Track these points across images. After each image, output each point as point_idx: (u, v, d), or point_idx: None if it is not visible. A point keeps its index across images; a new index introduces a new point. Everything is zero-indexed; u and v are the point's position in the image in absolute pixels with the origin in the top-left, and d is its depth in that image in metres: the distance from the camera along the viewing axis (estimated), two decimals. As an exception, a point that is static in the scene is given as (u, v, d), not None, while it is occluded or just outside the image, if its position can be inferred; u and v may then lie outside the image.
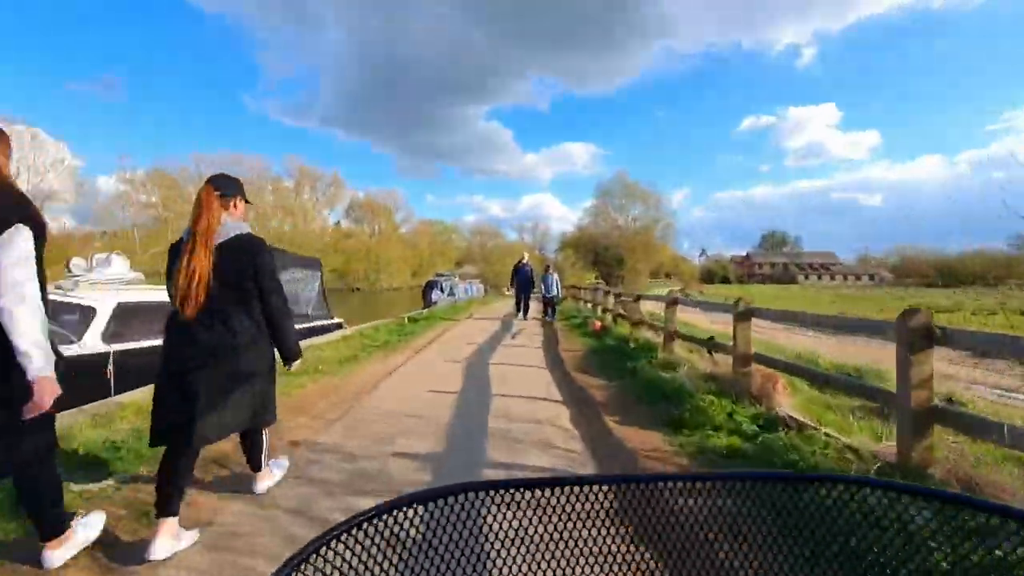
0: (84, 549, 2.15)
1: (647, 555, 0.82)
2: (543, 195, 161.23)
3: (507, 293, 37.60)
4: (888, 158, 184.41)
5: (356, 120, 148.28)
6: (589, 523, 0.80)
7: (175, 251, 2.44)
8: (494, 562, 0.80)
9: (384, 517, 0.72)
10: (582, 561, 0.81)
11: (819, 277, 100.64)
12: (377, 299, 52.00)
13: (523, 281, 15.56)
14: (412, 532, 0.72)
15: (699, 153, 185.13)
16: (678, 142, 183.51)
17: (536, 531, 0.80)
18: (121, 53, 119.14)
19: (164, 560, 2.13)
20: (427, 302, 26.31)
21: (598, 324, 11.74)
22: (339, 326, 12.18)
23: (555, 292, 15.24)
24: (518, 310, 15.77)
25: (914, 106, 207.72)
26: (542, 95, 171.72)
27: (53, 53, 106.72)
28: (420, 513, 0.74)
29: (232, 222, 2.50)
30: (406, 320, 13.99)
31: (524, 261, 16.00)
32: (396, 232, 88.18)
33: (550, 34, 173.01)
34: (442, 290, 27.39)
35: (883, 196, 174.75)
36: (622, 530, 0.83)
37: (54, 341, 1.94)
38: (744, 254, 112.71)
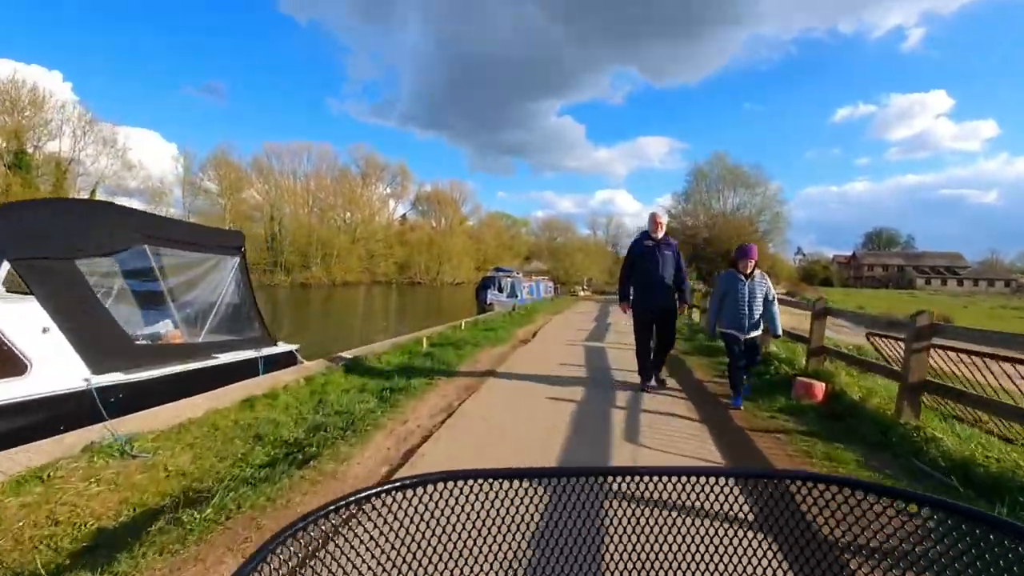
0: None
1: (663, 546, 0.85)
2: (616, 191, 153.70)
3: (582, 294, 30.84)
4: (1007, 150, 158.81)
5: (433, 118, 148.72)
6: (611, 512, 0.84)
7: None
8: (500, 546, 0.82)
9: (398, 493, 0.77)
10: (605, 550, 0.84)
11: (943, 283, 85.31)
12: (438, 295, 47.57)
13: (654, 284, 5.58)
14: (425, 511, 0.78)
15: (788, 146, 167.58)
16: (764, 134, 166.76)
17: (555, 520, 0.82)
18: (223, 62, 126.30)
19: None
20: (481, 305, 20.48)
21: (819, 389, 5.21)
22: (289, 357, 6.52)
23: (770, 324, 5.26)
24: (641, 362, 5.82)
25: None
26: (619, 89, 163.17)
27: (167, 62, 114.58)
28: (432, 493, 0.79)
29: None
30: (418, 346, 8.10)
31: (656, 230, 5.60)
32: (463, 224, 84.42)
33: (631, 26, 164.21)
34: (500, 289, 21.47)
35: (999, 192, 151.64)
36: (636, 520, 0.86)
37: None
38: (850, 254, 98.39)
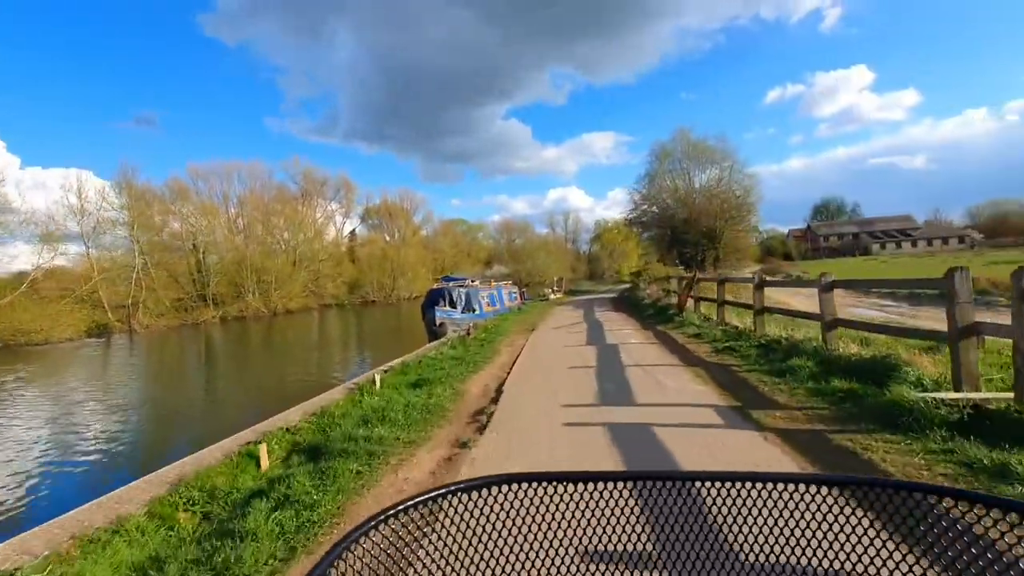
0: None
1: (673, 551, 0.84)
2: (568, 189, 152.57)
3: (553, 297, 26.23)
4: (930, 115, 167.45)
5: (377, 132, 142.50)
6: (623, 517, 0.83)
7: None
8: (527, 553, 0.83)
9: (431, 503, 0.78)
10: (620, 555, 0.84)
11: (898, 245, 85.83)
12: (395, 312, 42.23)
13: None
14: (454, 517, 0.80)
15: (726, 129, 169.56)
16: (703, 120, 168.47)
17: (572, 522, 0.81)
18: (153, 92, 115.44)
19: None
20: (429, 326, 15.59)
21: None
22: None
23: None
24: None
25: (953, 58, 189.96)
26: (560, 89, 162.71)
27: (93, 96, 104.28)
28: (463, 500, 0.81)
29: None
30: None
31: None
32: (416, 235, 79.13)
33: (560, 25, 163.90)
34: (452, 303, 16.62)
35: (926, 157, 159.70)
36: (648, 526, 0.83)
37: None
38: (805, 226, 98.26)
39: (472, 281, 18.39)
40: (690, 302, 12.61)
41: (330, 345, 23.53)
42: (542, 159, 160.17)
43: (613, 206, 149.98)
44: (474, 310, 16.73)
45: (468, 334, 11.26)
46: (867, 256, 74.27)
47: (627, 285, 41.86)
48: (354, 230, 75.97)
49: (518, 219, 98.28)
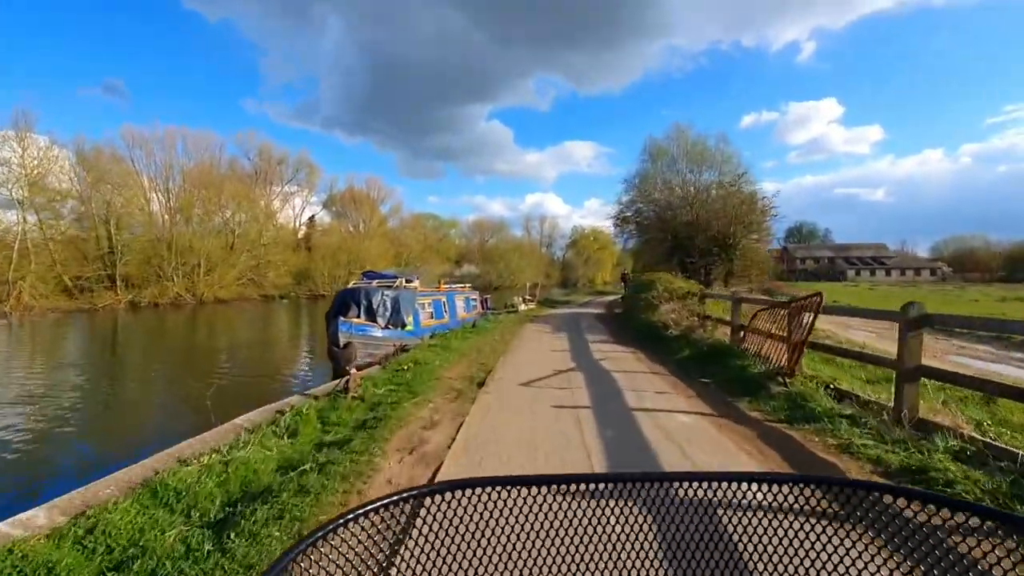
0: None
1: (657, 550, 0.85)
2: (546, 195, 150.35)
3: (524, 308, 20.61)
4: (892, 152, 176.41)
5: (358, 121, 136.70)
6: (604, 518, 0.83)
7: None
8: (501, 556, 0.80)
9: (391, 507, 0.75)
10: (601, 555, 0.82)
11: (872, 273, 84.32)
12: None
13: None
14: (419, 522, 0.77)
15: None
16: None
17: (550, 526, 0.80)
18: (124, 60, 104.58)
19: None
20: (332, 350, 9.72)
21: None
22: None
23: None
24: None
25: (916, 100, 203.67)
26: (544, 95, 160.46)
27: (58, 61, 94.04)
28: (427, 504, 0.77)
29: None
30: None
31: None
32: (383, 226, 72.96)
33: (552, 33, 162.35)
34: (372, 313, 10.84)
35: (886, 190, 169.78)
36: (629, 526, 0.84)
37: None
38: (782, 247, 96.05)
39: (407, 281, 12.58)
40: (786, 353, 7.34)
41: (240, 349, 17.46)
42: (523, 163, 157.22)
43: (589, 215, 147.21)
44: (404, 325, 11.03)
45: (346, 391, 5.56)
46: (847, 282, 71.64)
47: (611, 296, 36.14)
48: (313, 216, 68.93)
49: (494, 219, 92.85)
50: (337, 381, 6.32)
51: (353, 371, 6.06)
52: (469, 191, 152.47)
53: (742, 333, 7.17)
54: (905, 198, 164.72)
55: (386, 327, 10.51)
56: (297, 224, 65.71)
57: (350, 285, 11.86)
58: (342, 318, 9.80)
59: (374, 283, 11.55)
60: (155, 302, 36.66)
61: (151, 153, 43.53)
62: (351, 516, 0.70)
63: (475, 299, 17.48)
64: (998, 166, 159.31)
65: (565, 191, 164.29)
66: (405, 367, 7.11)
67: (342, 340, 9.55)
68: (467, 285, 17.79)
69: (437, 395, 5.86)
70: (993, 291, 40.93)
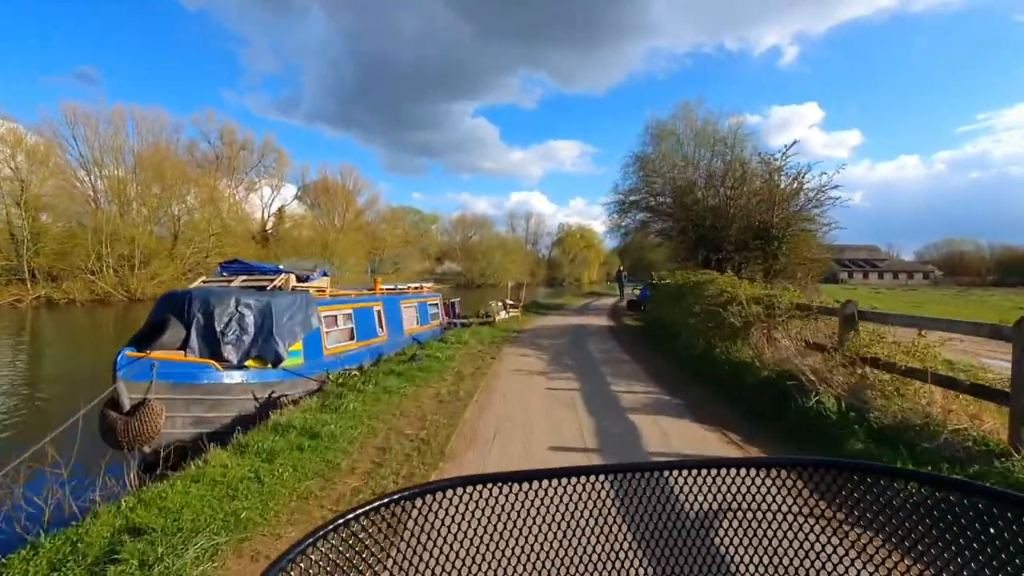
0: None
1: (643, 542, 0.82)
2: (531, 193, 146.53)
3: (505, 315, 15.30)
4: (870, 157, 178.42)
5: (342, 115, 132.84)
6: (587, 511, 0.81)
7: None
8: (493, 553, 0.79)
9: (383, 509, 0.74)
10: (587, 550, 0.82)
11: (865, 275, 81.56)
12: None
13: None
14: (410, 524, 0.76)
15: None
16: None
17: (538, 520, 0.80)
18: (96, 47, 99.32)
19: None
20: (108, 419, 4.62)
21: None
22: None
23: None
24: None
25: (894, 106, 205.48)
26: (530, 93, 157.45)
27: (26, 45, 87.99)
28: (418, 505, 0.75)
29: None
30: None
31: None
32: (359, 219, 67.62)
33: (537, 31, 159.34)
34: (217, 340, 5.70)
35: (863, 194, 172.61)
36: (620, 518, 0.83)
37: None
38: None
39: (317, 275, 7.59)
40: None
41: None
42: (509, 161, 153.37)
43: (574, 214, 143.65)
44: (278, 357, 5.97)
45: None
46: (842, 284, 68.37)
47: (608, 299, 30.51)
48: (282, 207, 62.97)
49: (478, 215, 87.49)
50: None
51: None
52: (455, 188, 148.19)
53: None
54: (880, 201, 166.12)
55: (240, 363, 5.54)
56: (265, 215, 59.79)
57: (202, 281, 6.79)
58: (134, 351, 4.80)
59: (235, 281, 6.54)
60: (72, 298, 30.89)
61: (96, 133, 37.52)
62: (350, 516, 0.69)
63: (438, 305, 12.50)
64: (971, 172, 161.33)
65: (550, 190, 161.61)
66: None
67: (128, 398, 4.58)
68: (427, 285, 12.69)
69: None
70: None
